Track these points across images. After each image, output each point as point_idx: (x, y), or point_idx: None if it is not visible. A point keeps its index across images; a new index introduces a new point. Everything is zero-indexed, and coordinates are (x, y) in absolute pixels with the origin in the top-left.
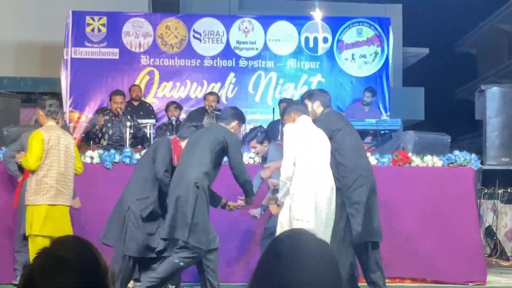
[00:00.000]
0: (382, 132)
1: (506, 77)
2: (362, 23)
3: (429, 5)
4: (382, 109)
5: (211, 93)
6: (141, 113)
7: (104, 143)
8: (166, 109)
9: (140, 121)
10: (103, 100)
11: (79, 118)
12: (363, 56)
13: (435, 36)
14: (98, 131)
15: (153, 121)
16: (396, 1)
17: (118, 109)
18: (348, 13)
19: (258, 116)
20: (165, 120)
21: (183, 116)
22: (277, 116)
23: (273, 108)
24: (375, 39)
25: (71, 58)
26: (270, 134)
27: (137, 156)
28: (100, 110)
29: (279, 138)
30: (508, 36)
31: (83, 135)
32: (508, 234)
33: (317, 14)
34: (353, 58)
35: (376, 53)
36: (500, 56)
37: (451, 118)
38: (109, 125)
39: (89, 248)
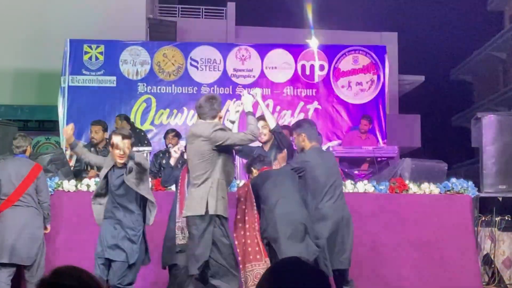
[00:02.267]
0: (379, 159)
1: (501, 105)
2: (358, 51)
3: (424, 33)
4: (379, 136)
5: None
6: (138, 143)
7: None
8: (165, 136)
9: (136, 148)
10: None
11: None
12: (359, 83)
13: (430, 64)
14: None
15: (150, 148)
16: (391, 29)
17: (94, 140)
18: (344, 41)
19: (256, 143)
20: (162, 147)
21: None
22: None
23: None
24: (371, 67)
25: (69, 86)
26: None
27: None
28: None
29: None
30: (503, 64)
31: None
32: (506, 262)
33: (313, 42)
34: (349, 86)
35: (372, 81)
36: (495, 83)
37: (448, 145)
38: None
39: (87, 274)
